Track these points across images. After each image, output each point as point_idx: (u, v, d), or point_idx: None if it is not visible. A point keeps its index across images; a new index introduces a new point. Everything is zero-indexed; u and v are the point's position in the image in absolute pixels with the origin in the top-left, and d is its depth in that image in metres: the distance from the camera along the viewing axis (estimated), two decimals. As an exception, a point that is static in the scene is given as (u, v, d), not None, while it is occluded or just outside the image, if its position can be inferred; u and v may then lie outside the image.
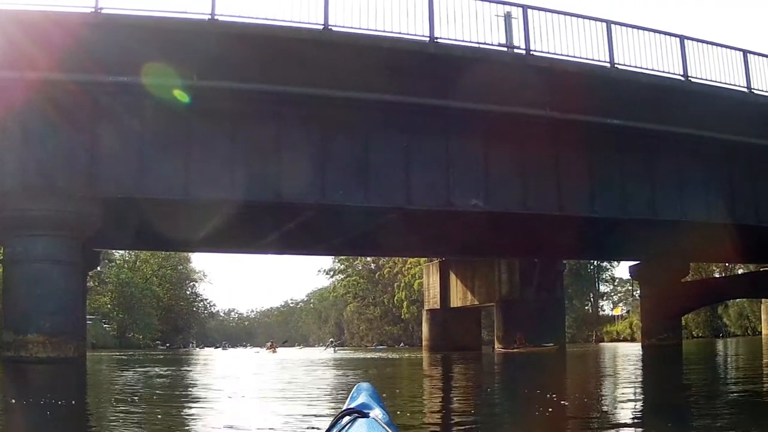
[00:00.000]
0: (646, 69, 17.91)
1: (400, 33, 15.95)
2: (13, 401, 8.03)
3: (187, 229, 21.15)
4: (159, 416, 7.10)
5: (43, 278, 15.41)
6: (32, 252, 15.58)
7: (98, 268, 47.09)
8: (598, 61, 17.52)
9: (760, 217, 21.02)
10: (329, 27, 15.46)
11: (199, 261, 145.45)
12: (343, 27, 15.59)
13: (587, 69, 17.32)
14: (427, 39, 16.17)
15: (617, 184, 19.62)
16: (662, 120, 18.53)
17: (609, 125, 18.43)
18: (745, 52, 19.35)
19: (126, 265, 69.15)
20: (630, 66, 17.78)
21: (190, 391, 11.52)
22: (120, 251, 63.40)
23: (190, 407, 8.43)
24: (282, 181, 16.91)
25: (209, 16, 14.84)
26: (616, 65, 17.67)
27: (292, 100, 16.51)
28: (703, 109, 18.11)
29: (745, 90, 19.02)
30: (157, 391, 11.22)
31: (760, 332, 52.45)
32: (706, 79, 18.55)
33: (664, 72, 18.11)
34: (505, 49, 17.04)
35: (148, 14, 14.79)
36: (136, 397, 9.78)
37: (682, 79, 18.29)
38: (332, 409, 7.15)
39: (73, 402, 8.45)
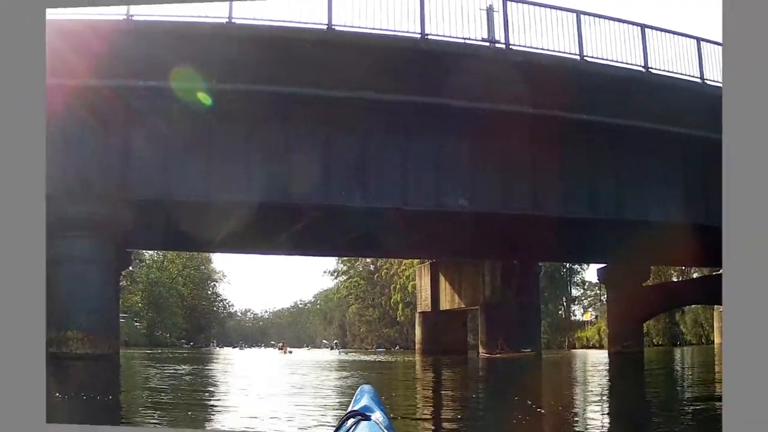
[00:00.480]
0: (612, 61, 15.86)
1: (391, 30, 14.69)
2: (58, 395, 8.07)
3: (208, 230, 20.23)
4: (189, 413, 7.16)
5: (82, 278, 15.16)
6: (72, 253, 15.23)
7: (130, 268, 46.53)
8: (571, 54, 15.68)
9: (710, 217, 16.92)
10: (332, 27, 14.49)
11: (219, 261, 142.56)
12: (344, 26, 14.53)
13: (559, 62, 15.46)
14: (419, 36, 14.81)
15: (587, 183, 17.36)
16: (626, 114, 16.13)
17: (579, 120, 16.06)
18: (699, 40, 16.88)
19: (155, 265, 67.72)
20: (598, 58, 15.77)
21: (213, 388, 11.55)
22: (149, 251, 62.47)
23: (214, 403, 8.47)
24: (291, 182, 15.91)
25: (227, 20, 14.15)
26: (585, 58, 15.72)
27: (299, 101, 15.39)
28: (661, 102, 15.84)
29: (699, 80, 16.56)
30: (184, 388, 11.26)
31: (713, 341, 47.82)
32: (665, 70, 16.27)
33: (628, 64, 15.99)
34: (487, 44, 15.58)
35: (173, 20, 14.04)
36: (165, 393, 9.83)
37: (643, 70, 16.04)
38: (337, 408, 7.20)
39: (110, 397, 8.50)
